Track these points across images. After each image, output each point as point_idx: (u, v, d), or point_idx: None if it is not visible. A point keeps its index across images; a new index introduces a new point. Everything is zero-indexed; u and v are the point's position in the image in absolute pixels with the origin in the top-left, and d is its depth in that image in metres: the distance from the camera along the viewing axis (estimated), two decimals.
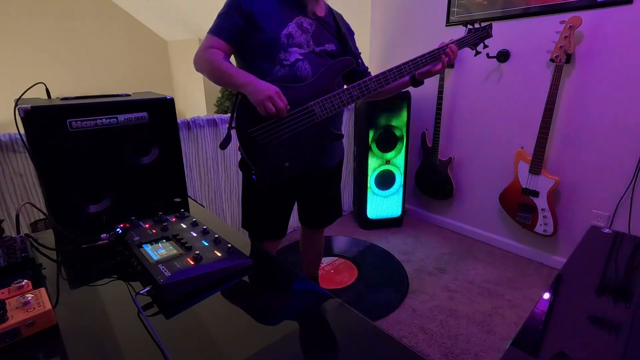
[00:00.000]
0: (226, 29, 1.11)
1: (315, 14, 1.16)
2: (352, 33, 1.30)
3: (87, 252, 0.83)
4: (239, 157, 1.23)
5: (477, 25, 1.30)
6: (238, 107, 1.09)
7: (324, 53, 1.17)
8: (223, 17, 1.11)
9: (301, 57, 1.12)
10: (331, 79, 1.14)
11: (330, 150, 1.30)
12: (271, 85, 1.04)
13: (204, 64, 1.12)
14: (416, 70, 1.18)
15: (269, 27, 1.10)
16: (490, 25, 1.32)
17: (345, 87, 1.15)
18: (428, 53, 1.19)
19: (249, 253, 0.80)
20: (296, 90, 1.10)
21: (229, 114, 1.19)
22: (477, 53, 1.33)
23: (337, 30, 1.22)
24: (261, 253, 0.86)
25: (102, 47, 4.82)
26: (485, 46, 1.33)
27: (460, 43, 1.25)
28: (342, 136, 1.20)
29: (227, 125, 1.17)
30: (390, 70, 1.14)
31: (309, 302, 0.72)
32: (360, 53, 1.30)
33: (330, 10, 1.24)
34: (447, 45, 1.19)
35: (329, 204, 1.47)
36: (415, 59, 1.17)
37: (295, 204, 1.44)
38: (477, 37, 1.30)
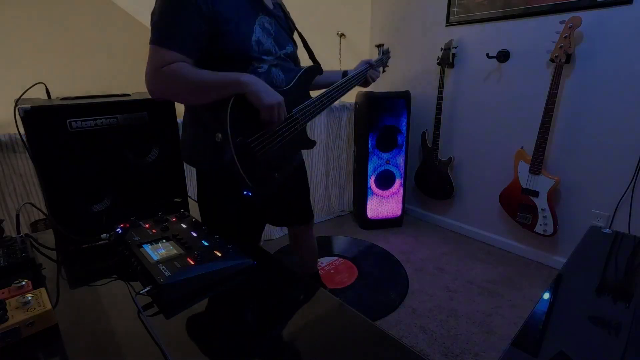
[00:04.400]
0: (185, 38, 0.87)
1: (269, 9, 1.05)
2: (294, 23, 1.21)
3: (87, 252, 0.83)
4: None
5: (383, 49, 1.58)
6: (231, 112, 0.88)
7: (287, 56, 1.11)
8: (177, 23, 0.86)
9: (274, 63, 1.04)
10: (306, 86, 1.11)
11: (297, 155, 1.29)
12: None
13: (173, 83, 0.88)
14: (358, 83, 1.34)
15: (238, 33, 0.94)
16: (388, 49, 1.60)
17: (317, 96, 1.15)
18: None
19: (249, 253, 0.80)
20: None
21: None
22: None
23: (287, 25, 1.15)
24: (261, 253, 0.86)
25: (102, 47, 4.82)
26: (387, 66, 1.61)
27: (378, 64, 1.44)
28: (314, 143, 1.17)
29: (218, 134, 0.93)
30: (351, 79, 1.28)
31: (308, 302, 0.72)
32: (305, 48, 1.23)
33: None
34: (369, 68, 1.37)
35: (294, 206, 1.42)
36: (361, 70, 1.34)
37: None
38: (385, 58, 1.54)
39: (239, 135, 0.89)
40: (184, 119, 1.09)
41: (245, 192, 1.01)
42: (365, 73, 1.34)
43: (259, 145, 0.94)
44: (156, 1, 0.88)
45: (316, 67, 1.14)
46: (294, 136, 1.06)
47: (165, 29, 0.87)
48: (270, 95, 0.91)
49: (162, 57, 0.87)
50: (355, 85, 1.31)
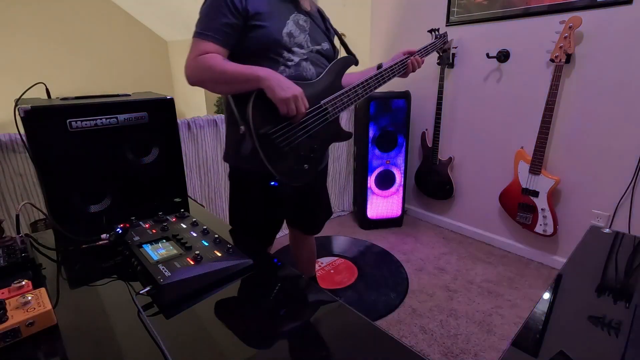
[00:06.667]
0: (219, 30, 0.97)
1: (305, 9, 1.11)
2: (334, 30, 1.27)
3: (87, 252, 0.83)
4: None
5: (437, 33, 1.56)
6: (254, 104, 0.94)
7: (321, 53, 1.14)
8: (212, 16, 0.97)
9: (305, 57, 1.09)
10: (337, 77, 1.13)
11: (327, 151, 1.29)
12: (294, 83, 0.97)
13: (203, 72, 0.97)
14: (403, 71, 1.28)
15: (269, 25, 1.01)
16: (445, 33, 1.66)
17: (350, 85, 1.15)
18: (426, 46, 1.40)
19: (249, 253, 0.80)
20: (306, 88, 1.03)
21: (232, 115, 1.07)
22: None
23: (325, 27, 1.20)
24: (261, 253, 0.86)
25: (102, 47, 4.82)
26: (445, 51, 1.68)
27: (430, 48, 1.43)
28: (351, 134, 1.18)
29: (238, 126, 1.02)
30: (387, 69, 1.21)
31: (308, 302, 0.72)
32: (338, 50, 1.28)
33: (313, 2, 1.19)
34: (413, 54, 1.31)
35: (320, 207, 1.45)
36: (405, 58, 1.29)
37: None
38: (441, 42, 1.50)
39: (262, 126, 0.95)
40: (225, 119, 1.19)
41: (271, 183, 1.09)
42: (404, 63, 1.27)
43: (283, 137, 0.98)
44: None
45: (347, 58, 1.16)
46: (326, 128, 1.08)
47: (203, 23, 0.98)
48: (285, 89, 0.93)
49: (198, 47, 0.97)
50: (394, 76, 1.25)
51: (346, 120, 2.75)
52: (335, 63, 1.13)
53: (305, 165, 1.06)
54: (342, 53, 1.22)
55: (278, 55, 1.04)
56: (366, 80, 1.14)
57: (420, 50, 1.34)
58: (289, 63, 1.05)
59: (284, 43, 1.04)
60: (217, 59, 0.97)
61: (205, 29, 0.97)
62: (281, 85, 0.94)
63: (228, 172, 1.23)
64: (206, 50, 0.97)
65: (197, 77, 0.99)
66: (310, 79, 1.09)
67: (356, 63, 1.19)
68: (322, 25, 1.18)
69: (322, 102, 1.06)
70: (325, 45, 1.16)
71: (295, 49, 1.06)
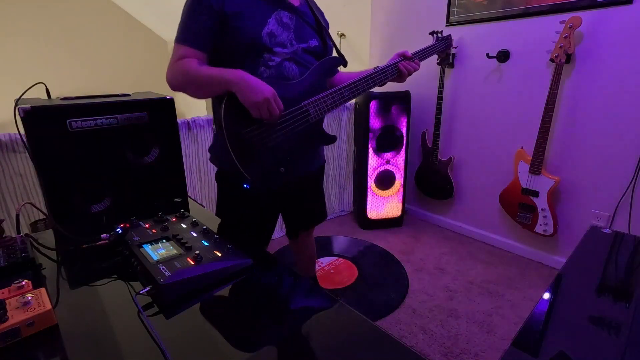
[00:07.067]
0: (197, 34, 0.96)
1: (291, 5, 1.06)
2: (327, 24, 1.22)
3: (87, 252, 0.83)
4: None
5: (439, 35, 1.51)
6: (226, 105, 0.93)
7: (307, 51, 1.09)
8: (190, 20, 0.97)
9: (287, 57, 1.04)
10: (322, 78, 1.08)
11: (316, 153, 1.25)
12: (266, 85, 0.92)
13: (180, 77, 0.96)
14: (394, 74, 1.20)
15: (248, 26, 0.98)
16: (449, 36, 1.61)
17: (336, 87, 1.10)
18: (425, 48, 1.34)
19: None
20: (287, 88, 1.00)
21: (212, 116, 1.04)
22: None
23: (316, 23, 1.14)
24: (261, 253, 0.86)
25: (102, 47, 4.82)
26: (446, 55, 1.59)
27: (430, 50, 1.36)
28: (335, 138, 1.13)
29: (214, 127, 1.03)
30: (379, 71, 1.14)
31: (309, 302, 0.72)
32: (332, 47, 1.22)
33: None
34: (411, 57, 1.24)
35: (313, 210, 1.41)
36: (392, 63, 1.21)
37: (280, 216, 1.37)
38: (443, 45, 1.46)
39: (235, 126, 0.93)
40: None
41: (244, 185, 1.04)
42: (396, 66, 1.19)
43: (257, 137, 0.96)
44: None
45: (335, 58, 1.11)
46: (307, 130, 1.03)
47: (183, 28, 0.98)
48: (255, 92, 0.89)
49: (177, 52, 0.98)
50: (386, 79, 1.17)
51: (346, 120, 2.75)
52: (321, 63, 1.08)
53: (282, 168, 1.02)
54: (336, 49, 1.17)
55: (258, 56, 1.00)
56: (354, 82, 1.09)
57: (417, 53, 1.27)
58: (270, 64, 1.01)
59: (264, 43, 1.00)
60: (192, 63, 0.95)
61: (183, 34, 0.97)
62: (251, 88, 0.90)
63: (215, 173, 1.20)
64: (184, 55, 0.96)
65: (175, 82, 0.98)
66: (293, 79, 1.04)
67: (344, 64, 1.14)
68: (311, 21, 1.12)
69: (303, 102, 1.01)
70: (313, 42, 1.10)
71: (277, 49, 1.02)
